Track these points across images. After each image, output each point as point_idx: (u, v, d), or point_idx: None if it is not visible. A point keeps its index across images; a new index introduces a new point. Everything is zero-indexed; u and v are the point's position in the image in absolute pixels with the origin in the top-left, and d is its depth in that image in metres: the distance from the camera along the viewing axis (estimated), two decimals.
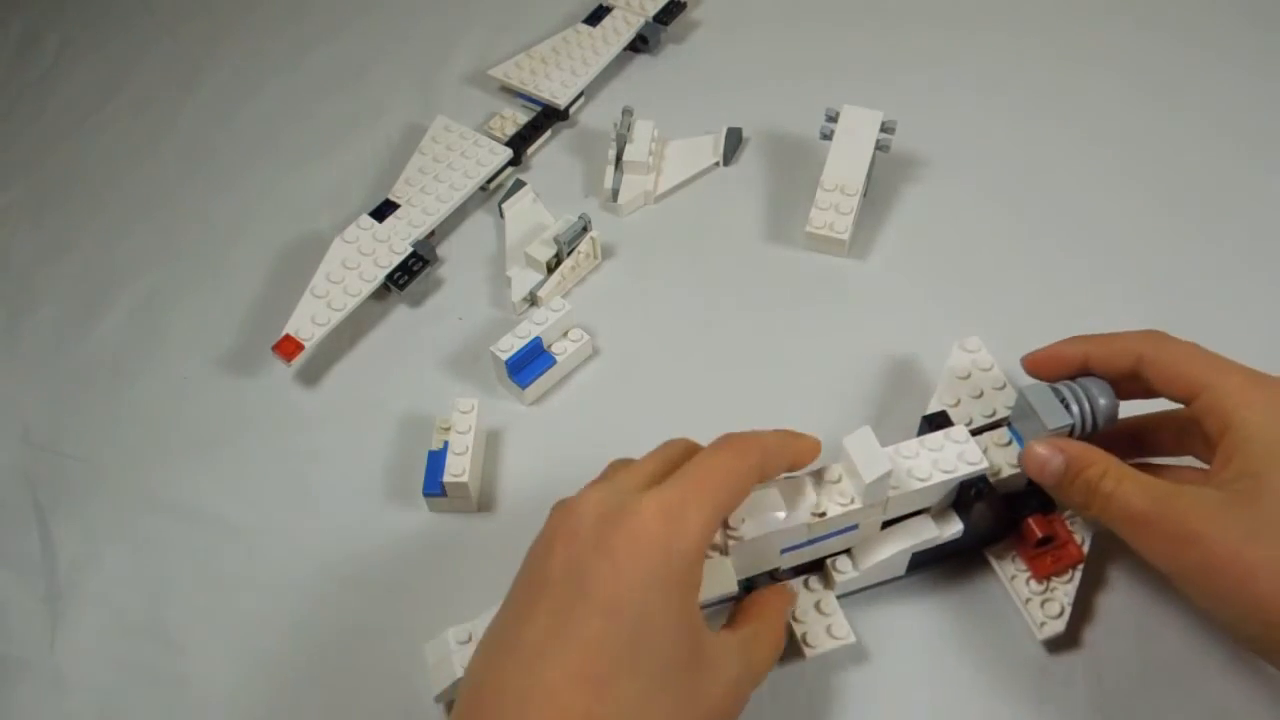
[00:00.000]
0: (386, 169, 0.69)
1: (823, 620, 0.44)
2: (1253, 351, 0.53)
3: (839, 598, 0.45)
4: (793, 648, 0.44)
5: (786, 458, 0.40)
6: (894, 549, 0.44)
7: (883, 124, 0.61)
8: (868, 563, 0.44)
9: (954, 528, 0.44)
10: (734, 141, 0.67)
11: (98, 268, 0.66)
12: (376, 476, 0.54)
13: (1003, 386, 0.48)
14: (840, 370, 0.56)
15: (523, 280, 0.60)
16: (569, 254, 0.59)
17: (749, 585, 0.44)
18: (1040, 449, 0.41)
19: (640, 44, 0.74)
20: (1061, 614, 0.43)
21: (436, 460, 0.51)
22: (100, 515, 0.54)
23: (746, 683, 0.37)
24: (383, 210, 0.63)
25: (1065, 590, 0.44)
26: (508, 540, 0.52)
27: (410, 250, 0.61)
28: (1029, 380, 0.45)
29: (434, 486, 0.51)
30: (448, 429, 0.52)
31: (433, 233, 0.63)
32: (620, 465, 0.41)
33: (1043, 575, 0.44)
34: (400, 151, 0.69)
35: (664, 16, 0.74)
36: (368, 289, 0.59)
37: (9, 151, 0.75)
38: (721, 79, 0.73)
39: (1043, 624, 0.43)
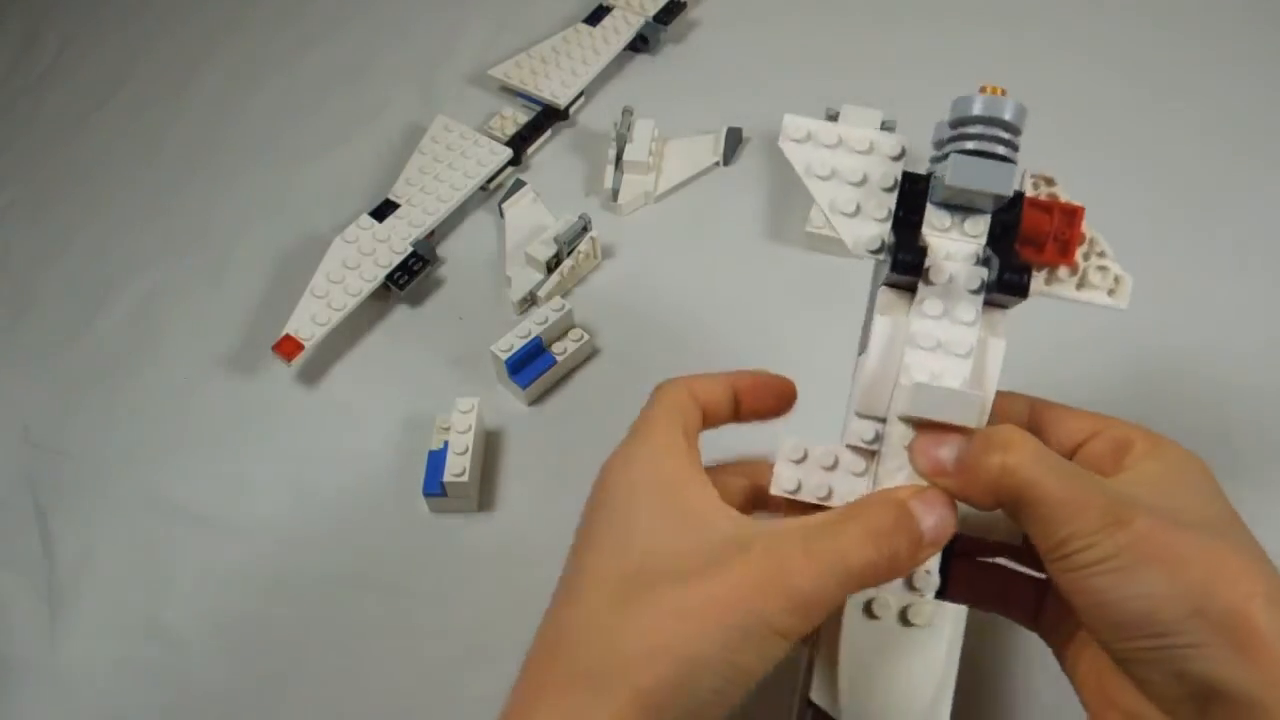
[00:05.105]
0: (386, 169, 0.69)
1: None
2: (1250, 351, 0.54)
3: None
4: None
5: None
6: None
7: (882, 124, 0.61)
8: None
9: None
10: (734, 141, 0.67)
11: (98, 268, 0.66)
12: (376, 476, 0.54)
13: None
14: (841, 370, 0.55)
15: (523, 280, 0.60)
16: (569, 254, 0.59)
17: None
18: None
19: (640, 44, 0.74)
20: (1119, 282, 0.39)
21: (436, 460, 0.51)
22: (100, 515, 0.54)
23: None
24: (383, 210, 0.63)
25: (1105, 259, 0.40)
26: (508, 540, 0.52)
27: (410, 250, 0.61)
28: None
29: (434, 486, 0.51)
30: (448, 429, 0.52)
31: (433, 233, 0.63)
32: None
33: (1071, 258, 0.39)
34: (400, 151, 0.69)
35: (664, 16, 0.74)
36: (368, 289, 0.59)
37: (9, 151, 0.75)
38: (721, 79, 0.72)
39: (1110, 290, 0.39)
